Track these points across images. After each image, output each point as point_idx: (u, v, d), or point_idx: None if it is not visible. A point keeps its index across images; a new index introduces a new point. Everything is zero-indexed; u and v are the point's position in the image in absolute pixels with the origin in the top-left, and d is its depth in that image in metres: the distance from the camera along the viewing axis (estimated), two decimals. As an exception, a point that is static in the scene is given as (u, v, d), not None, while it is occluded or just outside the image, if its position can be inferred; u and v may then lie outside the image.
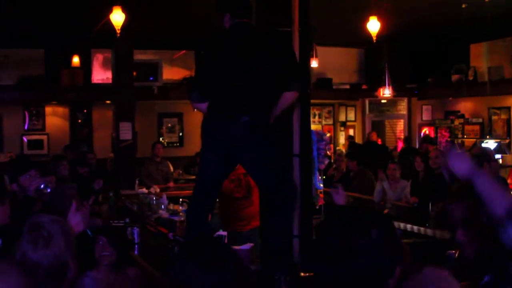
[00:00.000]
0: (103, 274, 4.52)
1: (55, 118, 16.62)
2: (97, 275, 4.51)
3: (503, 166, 13.72)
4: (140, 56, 14.73)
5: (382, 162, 11.24)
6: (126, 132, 12.21)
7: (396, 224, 7.38)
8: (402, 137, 18.18)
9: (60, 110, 16.68)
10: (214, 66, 4.76)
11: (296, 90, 4.64)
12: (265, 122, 4.60)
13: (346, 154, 12.65)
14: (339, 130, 19.53)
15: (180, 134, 17.84)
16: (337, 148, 17.71)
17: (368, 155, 13.64)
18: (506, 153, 15.03)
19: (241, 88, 4.59)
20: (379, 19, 11.66)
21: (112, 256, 4.53)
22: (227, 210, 7.61)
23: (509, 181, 9.30)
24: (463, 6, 12.74)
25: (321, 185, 5.66)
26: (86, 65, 16.04)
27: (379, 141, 17.23)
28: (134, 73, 12.99)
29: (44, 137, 16.32)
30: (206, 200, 4.99)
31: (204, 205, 4.99)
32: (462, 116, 17.28)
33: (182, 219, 7.63)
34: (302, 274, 4.72)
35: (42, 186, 5.08)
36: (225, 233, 5.77)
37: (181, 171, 14.90)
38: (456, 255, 3.64)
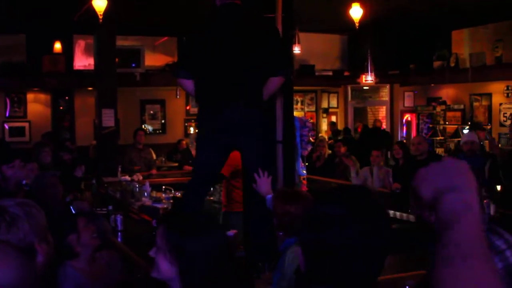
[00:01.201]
0: (84, 263, 4.29)
1: (37, 105, 16.51)
2: (77, 265, 4.19)
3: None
4: (122, 42, 14.65)
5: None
6: (108, 119, 12.16)
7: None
8: (384, 123, 18.27)
9: (42, 97, 16.57)
10: (204, 46, 4.76)
11: (282, 76, 4.67)
12: (259, 104, 4.62)
13: (341, 139, 12.75)
14: (321, 116, 19.57)
15: (163, 121, 17.80)
16: (320, 135, 17.75)
17: (375, 140, 14.03)
18: (487, 139, 15.13)
19: (234, 72, 4.61)
20: (362, 5, 11.67)
21: (97, 243, 4.45)
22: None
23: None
24: (445, -8, 12.79)
25: (304, 172, 5.68)
26: (68, 51, 15.92)
27: (383, 127, 17.69)
28: (116, 60, 12.92)
29: (26, 124, 16.21)
30: (202, 188, 5.00)
31: (199, 193, 5.00)
32: (444, 102, 17.37)
33: (165, 206, 7.63)
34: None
35: (23, 182, 5.03)
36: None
37: (163, 158, 14.88)
38: None
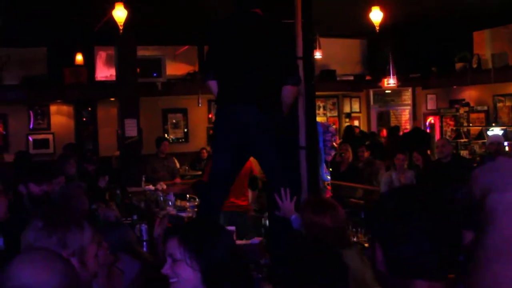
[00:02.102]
0: (102, 280, 4.05)
1: (60, 116, 16.62)
2: (97, 282, 4.03)
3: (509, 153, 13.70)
4: (143, 52, 14.72)
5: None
6: (131, 129, 12.22)
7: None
8: (408, 127, 18.16)
9: (65, 108, 16.68)
10: (222, 51, 4.78)
11: (291, 84, 4.65)
12: (272, 107, 4.61)
13: (365, 144, 12.68)
14: (344, 121, 19.50)
15: (185, 130, 17.82)
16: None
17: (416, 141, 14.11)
18: (512, 140, 15.00)
19: (249, 75, 4.61)
20: (382, 8, 11.63)
21: (111, 260, 4.26)
22: None
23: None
24: (465, -7, 12.71)
25: (328, 177, 5.65)
26: (90, 62, 16.02)
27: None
28: (138, 70, 12.98)
29: (50, 136, 16.33)
30: (218, 194, 4.97)
31: (215, 199, 4.97)
32: (467, 104, 17.24)
33: (190, 215, 7.63)
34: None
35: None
36: (233, 227, 5.75)
37: (187, 167, 14.90)
38: None
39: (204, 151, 14.84)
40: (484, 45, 16.28)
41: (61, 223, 2.73)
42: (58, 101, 16.37)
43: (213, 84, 4.83)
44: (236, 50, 4.67)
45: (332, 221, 3.76)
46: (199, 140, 17.34)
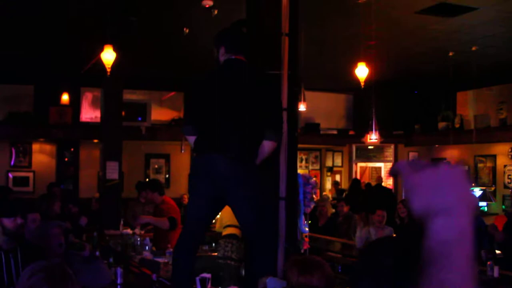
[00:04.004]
0: None
1: (42, 155, 16.55)
2: None
3: (488, 213, 13.79)
4: (129, 95, 14.78)
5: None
6: (112, 172, 12.18)
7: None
8: (391, 183, 18.25)
9: (47, 147, 16.62)
10: (203, 101, 4.79)
11: (272, 140, 4.64)
12: (250, 159, 4.60)
13: (344, 197, 12.69)
14: (325, 175, 19.56)
15: (167, 175, 17.79)
16: (324, 193, 17.70)
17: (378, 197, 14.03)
18: (491, 201, 15.10)
19: (227, 124, 4.60)
20: (367, 65, 11.76)
21: None
22: None
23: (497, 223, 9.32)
24: (450, 54, 12.92)
25: (307, 229, 5.64)
26: (75, 103, 16.05)
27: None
28: (123, 113, 13.00)
29: (30, 174, 16.24)
30: (193, 241, 4.95)
31: (190, 246, 4.95)
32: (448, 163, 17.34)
33: (166, 260, 7.57)
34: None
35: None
36: (209, 275, 5.72)
37: (166, 212, 14.80)
38: None
39: (185, 196, 14.80)
40: (467, 106, 16.51)
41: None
42: (41, 139, 16.32)
43: (191, 139, 4.84)
44: (217, 98, 4.68)
45: (319, 281, 3.67)
46: (180, 186, 17.29)
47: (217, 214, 5.03)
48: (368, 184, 17.55)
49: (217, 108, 4.67)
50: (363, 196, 16.37)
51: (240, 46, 4.82)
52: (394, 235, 9.62)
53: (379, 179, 17.72)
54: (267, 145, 4.64)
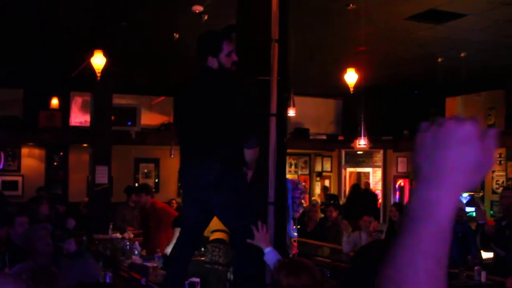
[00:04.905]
0: None
1: (31, 159, 16.52)
2: None
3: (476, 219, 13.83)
4: (119, 100, 14.76)
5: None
6: (102, 176, 12.16)
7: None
8: (380, 188, 18.30)
9: (37, 151, 16.59)
10: (180, 112, 4.83)
11: (246, 148, 4.63)
12: (231, 166, 4.59)
13: (332, 204, 12.71)
14: (315, 180, 19.59)
15: (156, 180, 17.78)
16: (313, 198, 17.73)
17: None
18: (479, 206, 15.15)
19: (200, 134, 4.60)
20: (357, 71, 11.81)
21: None
22: None
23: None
24: (439, 60, 12.99)
25: (295, 234, 5.67)
26: (65, 107, 16.04)
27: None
28: (112, 117, 12.99)
29: (19, 178, 16.19)
30: (186, 247, 4.97)
31: (184, 251, 4.97)
32: (437, 169, 17.42)
33: (156, 265, 7.58)
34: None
35: None
36: (197, 280, 5.74)
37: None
38: None
39: (174, 202, 14.78)
40: (456, 112, 16.58)
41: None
42: (30, 144, 16.29)
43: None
44: (189, 110, 4.69)
45: (308, 283, 3.69)
46: (170, 191, 17.31)
47: (210, 217, 5.02)
48: (356, 185, 17.55)
49: (189, 118, 4.68)
50: (349, 201, 16.43)
51: (201, 47, 4.73)
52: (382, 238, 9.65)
53: (366, 184, 17.76)
54: (247, 153, 4.65)
